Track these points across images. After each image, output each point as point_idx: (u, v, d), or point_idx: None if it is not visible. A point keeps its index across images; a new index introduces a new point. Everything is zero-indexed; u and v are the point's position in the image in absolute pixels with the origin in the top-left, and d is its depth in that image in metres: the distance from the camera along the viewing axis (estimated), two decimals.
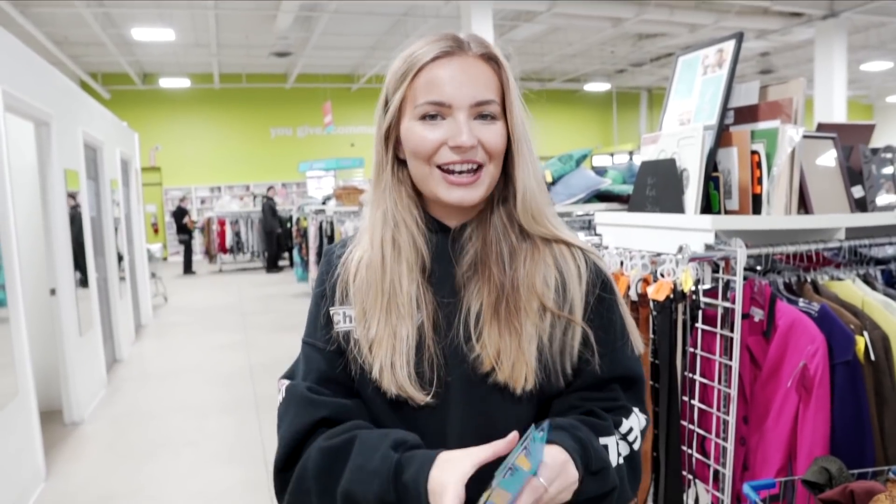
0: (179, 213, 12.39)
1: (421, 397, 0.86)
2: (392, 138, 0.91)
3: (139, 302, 7.33)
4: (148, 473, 3.55)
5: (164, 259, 14.30)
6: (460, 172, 0.86)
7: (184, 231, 12.34)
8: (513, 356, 0.84)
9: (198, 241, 13.70)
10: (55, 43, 10.36)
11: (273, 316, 7.68)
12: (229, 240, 12.70)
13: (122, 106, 12.89)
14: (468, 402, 0.87)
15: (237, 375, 5.27)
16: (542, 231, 0.90)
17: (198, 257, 13.83)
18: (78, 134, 4.82)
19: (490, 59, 0.89)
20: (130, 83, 13.81)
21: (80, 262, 4.61)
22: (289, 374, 0.98)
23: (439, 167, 0.86)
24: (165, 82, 13.91)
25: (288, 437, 0.88)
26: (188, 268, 12.39)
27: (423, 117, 0.86)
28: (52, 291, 4.08)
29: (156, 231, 15.03)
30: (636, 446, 0.91)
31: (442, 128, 0.85)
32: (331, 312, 0.92)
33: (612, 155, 15.08)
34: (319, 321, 0.94)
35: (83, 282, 4.67)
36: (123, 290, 6.27)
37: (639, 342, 0.94)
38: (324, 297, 0.94)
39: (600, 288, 0.92)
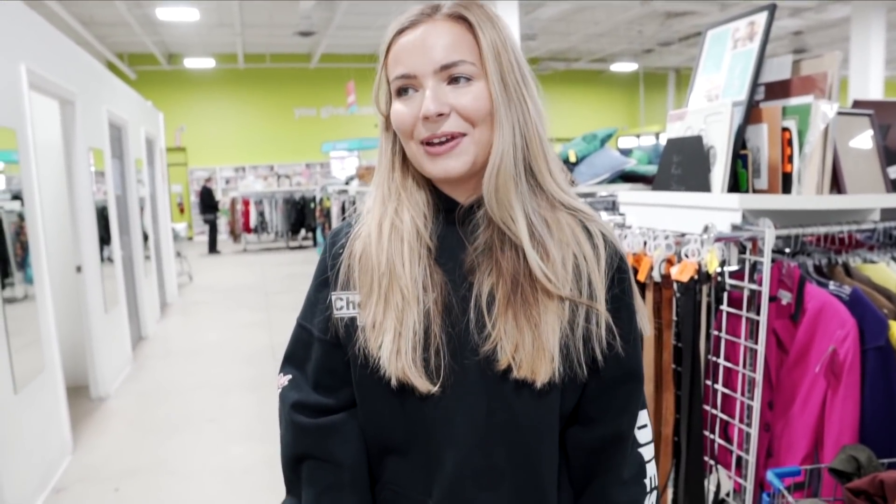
0: (206, 193, 12.50)
1: (426, 386, 0.80)
2: (391, 124, 0.86)
3: (164, 280, 7.43)
4: (171, 449, 3.60)
5: (190, 238, 14.47)
6: (439, 143, 0.80)
7: (209, 211, 12.46)
8: (532, 351, 0.78)
9: (222, 221, 13.83)
10: (82, 23, 10.44)
11: (296, 295, 7.73)
12: (253, 220, 12.79)
13: (148, 86, 12.98)
14: (483, 396, 0.82)
15: (260, 354, 5.32)
16: (508, 218, 0.81)
17: (223, 237, 13.97)
18: (102, 113, 4.86)
19: (459, 18, 0.81)
20: (156, 63, 13.90)
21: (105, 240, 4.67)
22: (288, 356, 0.94)
23: (421, 143, 0.81)
24: (190, 62, 13.98)
25: (283, 460, 0.91)
26: (213, 247, 12.53)
27: (399, 94, 0.82)
28: (78, 269, 4.13)
29: (181, 211, 15.19)
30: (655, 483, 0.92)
31: (414, 101, 0.80)
32: (332, 298, 0.87)
33: (638, 136, 14.86)
34: (319, 306, 0.90)
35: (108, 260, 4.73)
36: (149, 269, 6.34)
37: (646, 324, 0.90)
38: (325, 281, 0.89)
39: (617, 270, 0.85)
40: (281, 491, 0.94)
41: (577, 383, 0.83)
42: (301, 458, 0.89)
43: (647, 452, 0.91)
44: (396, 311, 0.81)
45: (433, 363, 0.81)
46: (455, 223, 0.85)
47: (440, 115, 0.78)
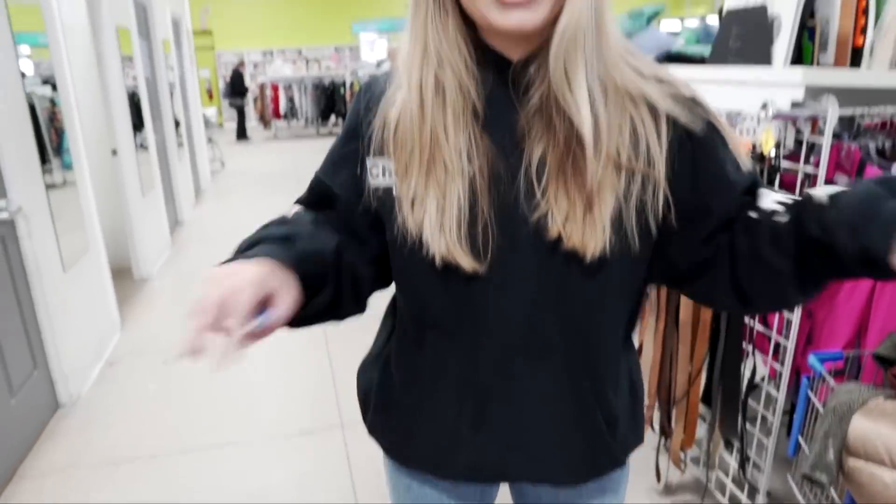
0: (237, 77, 12.28)
1: (472, 264, 0.75)
2: None
3: (198, 166, 7.46)
4: None
5: (220, 125, 14.41)
6: None
7: (238, 95, 12.30)
8: (582, 222, 0.73)
9: (251, 107, 13.68)
10: None
11: None
12: (283, 105, 12.63)
13: None
14: (533, 270, 0.77)
15: None
16: (566, 84, 0.72)
17: (252, 123, 13.88)
18: None
19: None
20: None
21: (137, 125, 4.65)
22: (299, 200, 0.90)
23: None
24: None
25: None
26: (242, 133, 12.47)
27: None
28: (114, 152, 4.15)
29: (210, 97, 15.03)
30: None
31: None
32: (368, 164, 0.80)
33: (682, 19, 14.00)
34: (345, 161, 0.83)
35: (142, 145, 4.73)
36: (182, 155, 6.35)
37: (745, 159, 0.81)
38: (356, 138, 0.82)
39: (688, 115, 0.76)
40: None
41: (630, 257, 0.77)
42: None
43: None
44: (439, 183, 0.75)
45: (480, 239, 0.76)
46: (506, 82, 0.77)
47: None
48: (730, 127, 0.83)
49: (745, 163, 0.81)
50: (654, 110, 0.75)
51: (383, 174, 0.80)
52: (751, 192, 0.80)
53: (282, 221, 0.84)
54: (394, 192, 0.79)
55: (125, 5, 4.62)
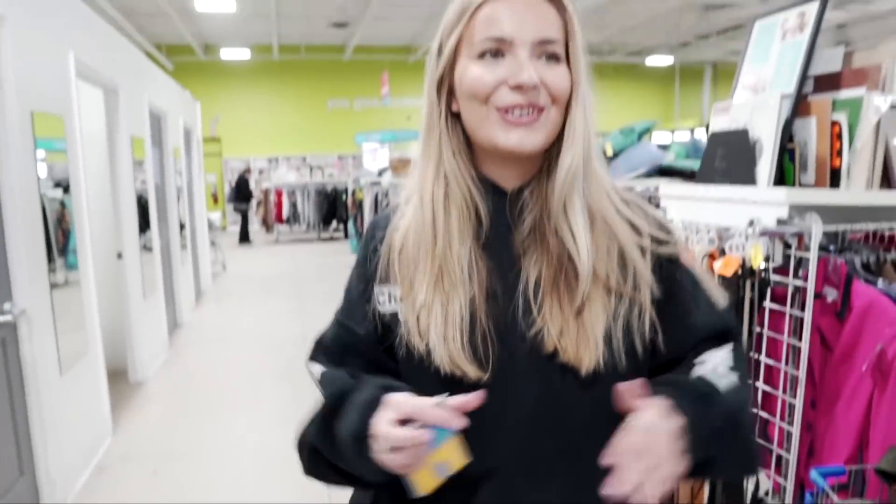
0: (243, 183, 12.65)
1: (476, 373, 0.78)
2: (444, 87, 0.82)
3: (199, 269, 7.55)
4: (207, 433, 3.67)
5: (224, 229, 14.68)
6: (520, 115, 0.77)
7: (243, 200, 12.60)
8: (576, 337, 0.77)
9: (253, 211, 14.01)
10: (123, 14, 10.64)
11: (328, 285, 7.78)
12: (286, 210, 12.93)
13: (184, 77, 13.12)
14: (531, 383, 0.79)
15: (292, 342, 5.38)
16: (562, 211, 0.80)
17: (254, 227, 14.16)
18: (144, 102, 4.95)
19: (554, 0, 0.80)
20: (193, 54, 14.09)
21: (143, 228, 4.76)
22: (323, 351, 0.94)
23: (497, 109, 0.78)
24: (226, 53, 14.14)
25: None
26: (245, 237, 12.68)
27: (482, 55, 0.78)
28: (119, 255, 4.22)
29: (215, 200, 15.41)
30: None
31: (502, 66, 0.77)
32: (375, 292, 0.86)
33: (672, 132, 14.63)
34: (360, 300, 0.88)
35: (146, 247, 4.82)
36: (185, 258, 6.45)
37: (719, 295, 0.87)
38: (365, 274, 0.88)
39: (664, 256, 0.84)
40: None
41: (618, 374, 0.80)
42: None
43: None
44: (443, 294, 0.80)
45: (481, 350, 0.79)
46: (503, 207, 0.83)
47: (534, 86, 0.77)
48: (702, 267, 0.90)
49: (719, 299, 0.87)
50: (638, 239, 0.82)
51: (389, 301, 0.85)
52: (718, 338, 0.85)
53: (334, 376, 0.88)
54: (399, 316, 0.84)
55: (141, 117, 4.85)
